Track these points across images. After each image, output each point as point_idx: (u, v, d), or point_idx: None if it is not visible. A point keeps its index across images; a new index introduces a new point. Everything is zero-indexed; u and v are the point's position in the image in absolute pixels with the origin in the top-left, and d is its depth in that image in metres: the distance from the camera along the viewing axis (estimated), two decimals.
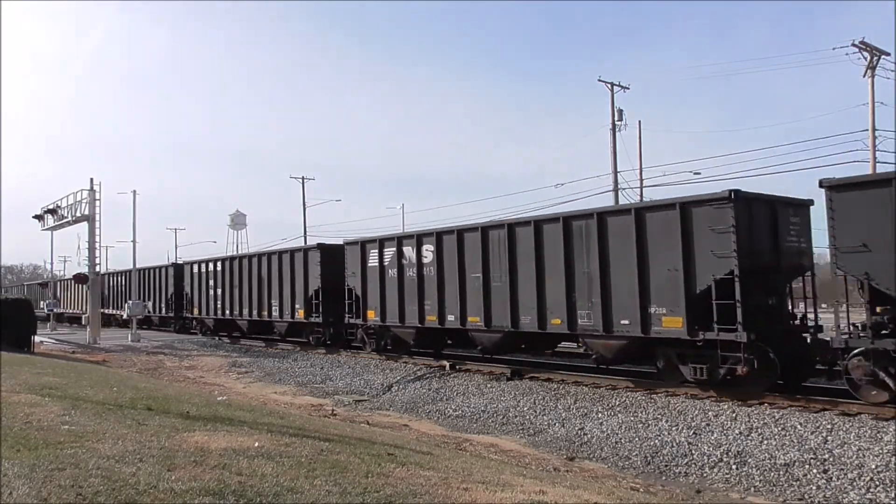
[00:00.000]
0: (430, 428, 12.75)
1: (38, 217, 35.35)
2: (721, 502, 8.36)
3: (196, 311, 31.60)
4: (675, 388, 12.87)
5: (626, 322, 13.12)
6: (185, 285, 32.76)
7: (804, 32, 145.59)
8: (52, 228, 35.66)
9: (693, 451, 10.01)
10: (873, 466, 8.59)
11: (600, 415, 12.25)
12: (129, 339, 30.46)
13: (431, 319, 17.93)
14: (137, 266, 37.64)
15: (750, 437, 10.11)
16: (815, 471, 8.77)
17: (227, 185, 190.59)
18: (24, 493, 4.83)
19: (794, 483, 8.61)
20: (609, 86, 35.63)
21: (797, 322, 12.93)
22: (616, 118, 35.56)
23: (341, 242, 22.71)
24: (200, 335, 31.65)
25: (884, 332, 10.28)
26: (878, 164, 26.69)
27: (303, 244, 36.07)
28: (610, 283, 13.46)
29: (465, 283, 16.83)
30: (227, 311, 28.74)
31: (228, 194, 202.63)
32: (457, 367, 17.56)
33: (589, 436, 11.39)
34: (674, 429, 10.94)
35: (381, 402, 15.71)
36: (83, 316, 34.86)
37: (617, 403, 12.67)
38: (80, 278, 32.96)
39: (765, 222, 12.30)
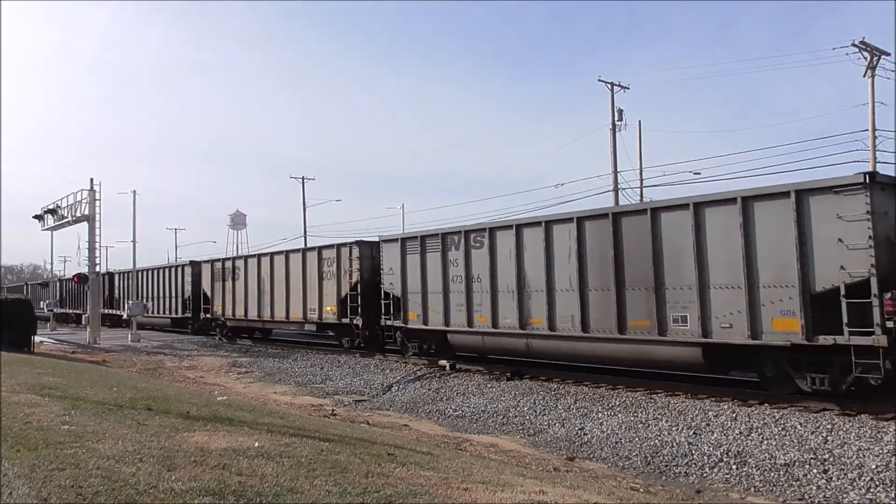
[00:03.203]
0: (430, 428, 12.75)
1: (38, 217, 35.37)
2: (721, 502, 8.35)
3: (419, 318, 18.41)
4: (674, 388, 12.87)
5: None
6: (385, 276, 19.76)
7: (804, 32, 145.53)
8: (52, 228, 35.67)
9: (693, 451, 10.01)
10: (873, 466, 8.59)
11: (600, 415, 12.25)
12: (129, 339, 30.49)
13: None
14: (275, 248, 28.27)
15: (750, 437, 10.11)
16: (815, 471, 8.77)
17: (227, 185, 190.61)
18: (24, 493, 4.83)
19: (795, 483, 8.61)
20: (609, 86, 35.67)
21: None
22: (616, 118, 35.61)
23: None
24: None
25: None
26: (877, 165, 26.70)
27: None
28: None
29: None
30: (523, 319, 15.68)
31: (228, 194, 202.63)
32: (457, 366, 17.55)
33: (589, 436, 11.39)
34: (674, 429, 10.94)
35: (381, 402, 15.71)
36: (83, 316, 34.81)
37: (617, 403, 12.67)
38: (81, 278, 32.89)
39: None
